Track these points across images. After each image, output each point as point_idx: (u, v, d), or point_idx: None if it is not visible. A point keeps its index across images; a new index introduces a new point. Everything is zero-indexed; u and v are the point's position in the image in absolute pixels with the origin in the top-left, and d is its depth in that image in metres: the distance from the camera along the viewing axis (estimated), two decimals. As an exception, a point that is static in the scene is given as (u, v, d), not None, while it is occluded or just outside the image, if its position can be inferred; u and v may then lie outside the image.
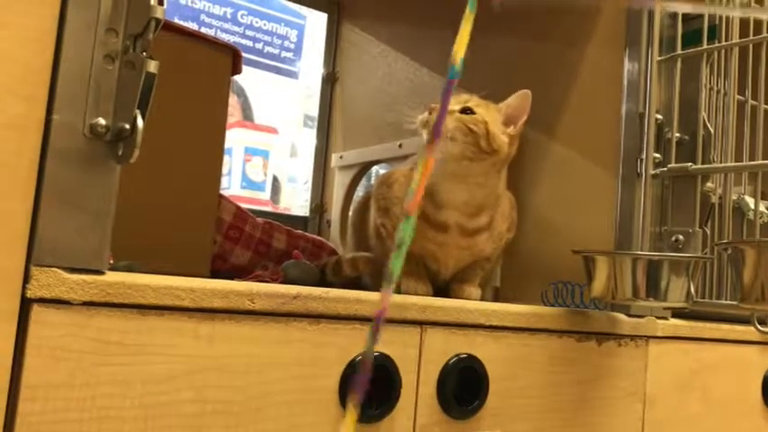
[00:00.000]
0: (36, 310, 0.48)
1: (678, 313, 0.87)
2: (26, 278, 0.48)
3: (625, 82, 0.88)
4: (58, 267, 0.49)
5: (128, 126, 0.51)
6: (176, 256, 0.86)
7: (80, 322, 0.49)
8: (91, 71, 0.51)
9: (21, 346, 0.47)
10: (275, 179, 2.04)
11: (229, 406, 0.55)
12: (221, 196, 0.97)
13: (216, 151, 0.89)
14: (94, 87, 0.51)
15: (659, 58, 0.87)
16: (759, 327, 0.81)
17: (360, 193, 1.37)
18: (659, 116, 0.86)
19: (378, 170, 1.52)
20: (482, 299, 0.83)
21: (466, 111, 0.77)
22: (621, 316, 0.81)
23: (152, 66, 0.51)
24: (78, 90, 0.51)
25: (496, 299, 0.98)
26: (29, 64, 0.49)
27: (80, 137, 0.51)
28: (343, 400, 0.60)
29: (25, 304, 0.48)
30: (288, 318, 0.58)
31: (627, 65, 0.89)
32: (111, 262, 0.66)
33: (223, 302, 0.55)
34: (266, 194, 1.98)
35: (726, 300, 0.87)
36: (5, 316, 0.47)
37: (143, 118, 0.51)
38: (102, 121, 0.51)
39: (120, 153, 0.51)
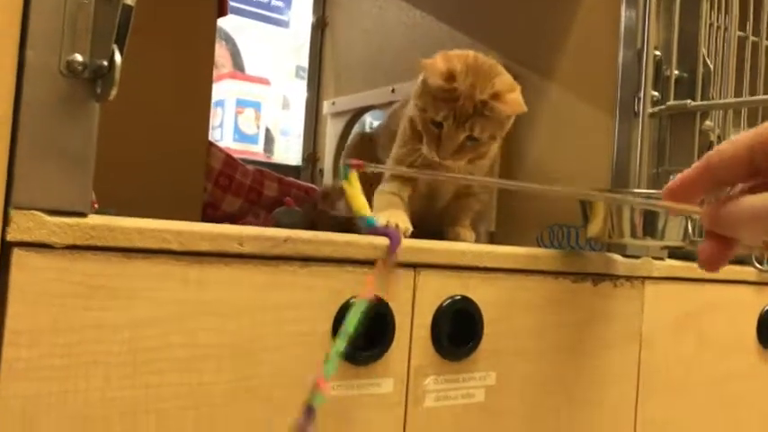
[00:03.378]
0: (17, 254, 0.46)
1: (674, 254, 0.86)
2: (5, 221, 0.46)
3: (623, 18, 0.86)
4: (39, 210, 0.47)
5: (105, 63, 0.49)
6: (166, 204, 0.84)
7: (63, 266, 0.48)
8: (65, 5, 0.49)
9: (3, 290, 0.46)
10: (268, 131, 2.01)
11: (220, 350, 0.54)
12: (210, 143, 0.96)
13: (203, 95, 0.87)
14: (70, 22, 0.49)
15: (658, -7, 0.85)
16: (758, 265, 0.81)
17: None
18: (658, 53, 0.84)
19: (371, 122, 1.50)
20: (477, 242, 0.83)
21: (470, 139, 0.75)
22: (617, 257, 0.80)
23: (128, -2, 0.49)
24: (53, 25, 0.48)
25: (492, 243, 0.97)
26: (0, -1, 0.47)
27: (56, 75, 0.49)
28: (336, 343, 0.59)
29: (5, 248, 0.46)
30: (278, 261, 0.57)
31: (625, 0, 0.86)
32: (96, 207, 0.64)
33: (211, 245, 0.54)
34: (259, 147, 1.95)
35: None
36: (-15, 260, 0.46)
37: (121, 53, 0.49)
38: (78, 57, 0.49)
39: (98, 91, 0.49)
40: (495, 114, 0.74)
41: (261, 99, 1.96)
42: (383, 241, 0.62)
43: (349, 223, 0.88)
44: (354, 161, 0.63)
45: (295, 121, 1.96)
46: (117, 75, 0.48)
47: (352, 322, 0.54)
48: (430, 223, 0.84)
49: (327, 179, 1.37)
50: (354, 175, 0.63)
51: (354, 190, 0.63)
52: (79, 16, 0.49)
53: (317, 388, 0.51)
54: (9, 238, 0.46)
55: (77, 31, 0.49)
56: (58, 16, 0.49)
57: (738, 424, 0.94)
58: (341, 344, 0.53)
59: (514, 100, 0.74)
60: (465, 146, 0.75)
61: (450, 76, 0.74)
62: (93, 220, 0.50)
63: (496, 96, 0.74)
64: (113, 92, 0.48)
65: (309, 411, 0.52)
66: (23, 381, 0.47)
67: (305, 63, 1.66)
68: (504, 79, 0.76)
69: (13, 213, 0.47)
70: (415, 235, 0.70)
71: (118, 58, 0.48)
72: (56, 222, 0.48)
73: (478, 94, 0.73)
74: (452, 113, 0.73)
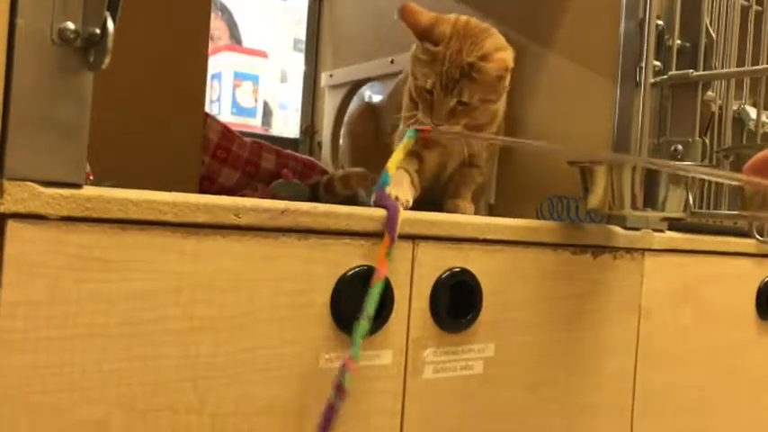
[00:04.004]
0: (11, 226, 0.46)
1: (674, 226, 0.86)
2: (-1, 193, 0.46)
3: (625, -14, 0.84)
4: (33, 181, 0.47)
5: (98, 31, 0.48)
6: (163, 177, 0.84)
7: (58, 238, 0.48)
8: (56, -28, 0.48)
9: (-3, 262, 0.46)
10: (266, 105, 2.00)
11: (218, 322, 0.54)
12: (207, 115, 0.94)
13: (199, 66, 0.86)
14: (61, -11, 0.48)
15: (661, -39, 0.83)
16: (758, 237, 0.80)
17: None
18: (660, 22, 0.82)
19: (370, 94, 1.48)
20: (476, 215, 0.82)
21: (461, 104, 0.75)
22: (617, 229, 0.79)
23: (120, -36, 0.48)
24: (44, -8, 0.47)
25: (491, 215, 0.97)
26: (-12, -36, 0.46)
27: (48, 43, 0.48)
28: (334, 316, 0.59)
29: (-1, 220, 0.46)
30: (276, 233, 0.57)
31: (627, -32, 0.85)
32: (92, 179, 0.64)
33: (208, 217, 0.53)
34: (257, 120, 1.94)
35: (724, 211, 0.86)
36: (-22, 231, 0.45)
37: (114, 21, 0.48)
38: (70, 25, 0.48)
39: (91, 60, 0.49)
40: (484, 76, 0.74)
41: (259, 72, 1.95)
42: (381, 213, 0.62)
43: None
44: (424, 128, 0.67)
45: (293, 95, 1.94)
46: (110, 43, 0.47)
47: (372, 304, 0.57)
48: (436, 196, 0.83)
49: (326, 152, 1.36)
50: (411, 140, 0.66)
51: (400, 149, 0.66)
52: (70, -17, 0.48)
53: (345, 368, 0.55)
54: (3, 209, 0.46)
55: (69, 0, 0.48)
56: (48, -17, 0.47)
57: (736, 394, 0.94)
58: (365, 325, 0.57)
59: (501, 58, 0.74)
60: (457, 110, 0.75)
61: (432, 37, 0.74)
62: (89, 191, 0.49)
63: (484, 57, 0.73)
64: (106, 60, 0.47)
65: (340, 390, 0.55)
66: (19, 353, 0.46)
67: (303, 36, 1.64)
68: (494, 40, 0.76)
69: (7, 185, 0.46)
70: (419, 208, 0.70)
71: (110, 25, 0.47)
72: (50, 194, 0.47)
73: (465, 57, 0.73)
74: (439, 80, 0.73)
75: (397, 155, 0.66)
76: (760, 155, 0.46)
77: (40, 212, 0.47)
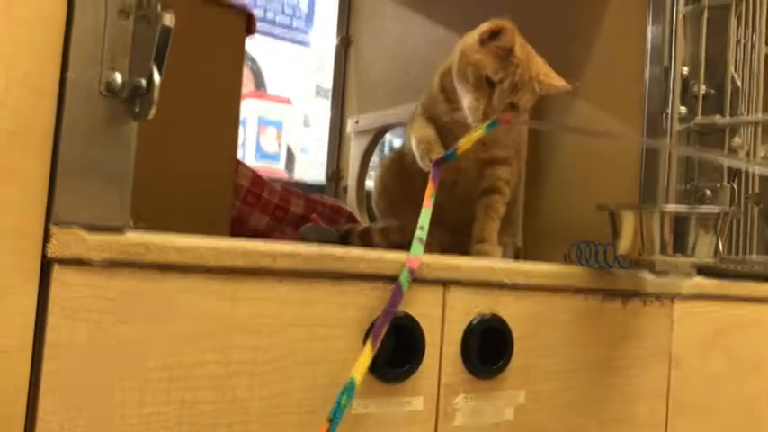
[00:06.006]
0: (57, 270, 0.47)
1: (704, 272, 0.85)
2: (46, 237, 0.47)
3: (650, 35, 0.86)
4: (78, 227, 0.48)
5: (144, 82, 0.50)
6: (195, 220, 0.85)
7: (101, 282, 0.49)
8: (105, 27, 0.50)
9: (43, 305, 0.47)
10: (289, 150, 2.03)
11: (253, 366, 0.54)
12: (238, 162, 0.96)
13: (231, 114, 0.88)
14: (109, 43, 0.50)
15: (685, 9, 0.85)
16: (788, 283, 0.79)
17: (376, 158, 1.36)
18: (685, 69, 0.84)
19: (391, 140, 1.50)
20: (503, 256, 0.82)
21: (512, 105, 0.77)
22: (647, 275, 0.79)
23: (167, 19, 0.49)
24: (93, 46, 0.50)
25: (518, 259, 0.97)
26: (42, 19, 0.48)
27: (96, 94, 0.50)
28: (367, 360, 0.59)
29: (46, 264, 0.47)
30: (310, 278, 0.57)
31: (651, 17, 0.86)
32: (132, 224, 0.65)
33: (246, 262, 0.54)
34: (281, 165, 1.97)
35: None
36: (27, 275, 0.46)
37: (159, 74, 0.49)
38: (117, 78, 0.50)
39: (136, 110, 0.50)
40: (541, 89, 0.77)
41: (282, 118, 1.98)
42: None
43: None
44: (504, 117, 0.74)
45: (315, 140, 1.97)
46: (156, 94, 0.49)
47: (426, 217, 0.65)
48: (460, 235, 0.84)
49: (351, 197, 1.37)
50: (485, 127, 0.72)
51: (476, 134, 0.72)
52: (118, 37, 0.50)
53: (405, 267, 0.60)
54: (49, 254, 0.47)
55: (117, 52, 0.50)
56: (97, 37, 0.50)
57: (770, 444, 0.92)
58: (422, 234, 0.63)
59: (559, 78, 0.78)
60: (508, 109, 0.77)
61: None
62: (130, 236, 0.50)
63: (545, 73, 0.77)
64: (152, 111, 0.49)
65: (398, 290, 0.59)
66: (61, 394, 0.47)
67: (325, 82, 1.67)
68: (541, 60, 0.79)
69: (54, 230, 0.47)
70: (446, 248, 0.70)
71: (157, 77, 0.49)
72: (95, 239, 0.48)
73: (534, 71, 0.76)
74: (509, 78, 0.75)
75: (471, 138, 0.72)
76: None
77: (84, 257, 0.48)
